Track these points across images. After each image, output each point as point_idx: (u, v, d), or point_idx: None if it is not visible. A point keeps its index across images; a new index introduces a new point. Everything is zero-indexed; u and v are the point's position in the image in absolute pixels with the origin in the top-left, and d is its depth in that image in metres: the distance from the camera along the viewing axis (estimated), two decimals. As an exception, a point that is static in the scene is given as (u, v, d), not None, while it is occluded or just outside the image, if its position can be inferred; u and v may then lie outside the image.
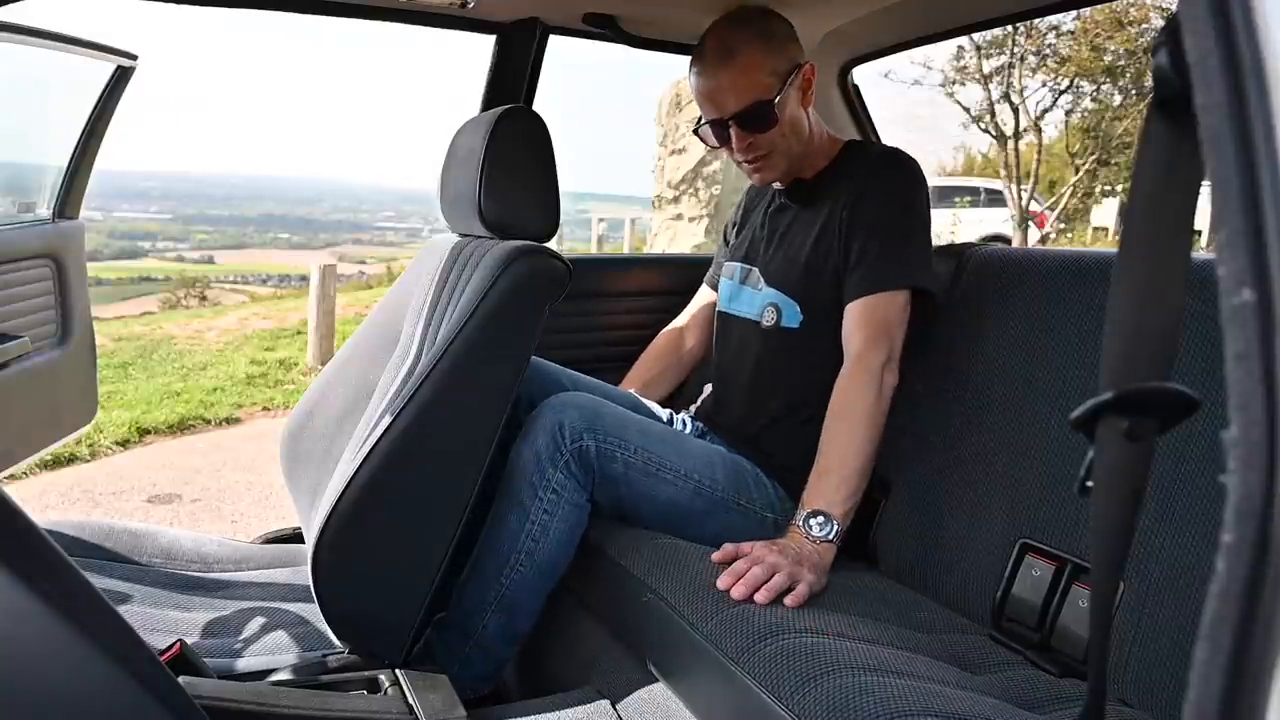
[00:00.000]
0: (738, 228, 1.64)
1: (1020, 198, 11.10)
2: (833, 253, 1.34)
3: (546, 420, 1.24)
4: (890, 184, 1.33)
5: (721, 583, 1.08)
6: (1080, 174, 11.94)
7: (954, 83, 11.53)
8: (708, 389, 1.56)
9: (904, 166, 1.35)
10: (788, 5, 1.53)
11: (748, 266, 1.50)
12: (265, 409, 4.61)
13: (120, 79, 2.04)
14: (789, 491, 1.35)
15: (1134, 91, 11.22)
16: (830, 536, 1.16)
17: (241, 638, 1.11)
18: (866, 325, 1.27)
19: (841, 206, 1.33)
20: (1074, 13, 9.33)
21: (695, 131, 1.43)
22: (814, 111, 1.42)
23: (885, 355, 1.25)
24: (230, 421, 4.35)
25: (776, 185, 1.50)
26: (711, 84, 1.35)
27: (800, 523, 1.17)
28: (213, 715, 0.85)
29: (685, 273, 2.05)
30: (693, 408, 1.58)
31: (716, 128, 1.38)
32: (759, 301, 1.44)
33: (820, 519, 1.16)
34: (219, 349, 6.12)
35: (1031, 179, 11.38)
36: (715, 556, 1.14)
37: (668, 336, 1.72)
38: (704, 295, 1.73)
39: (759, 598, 1.05)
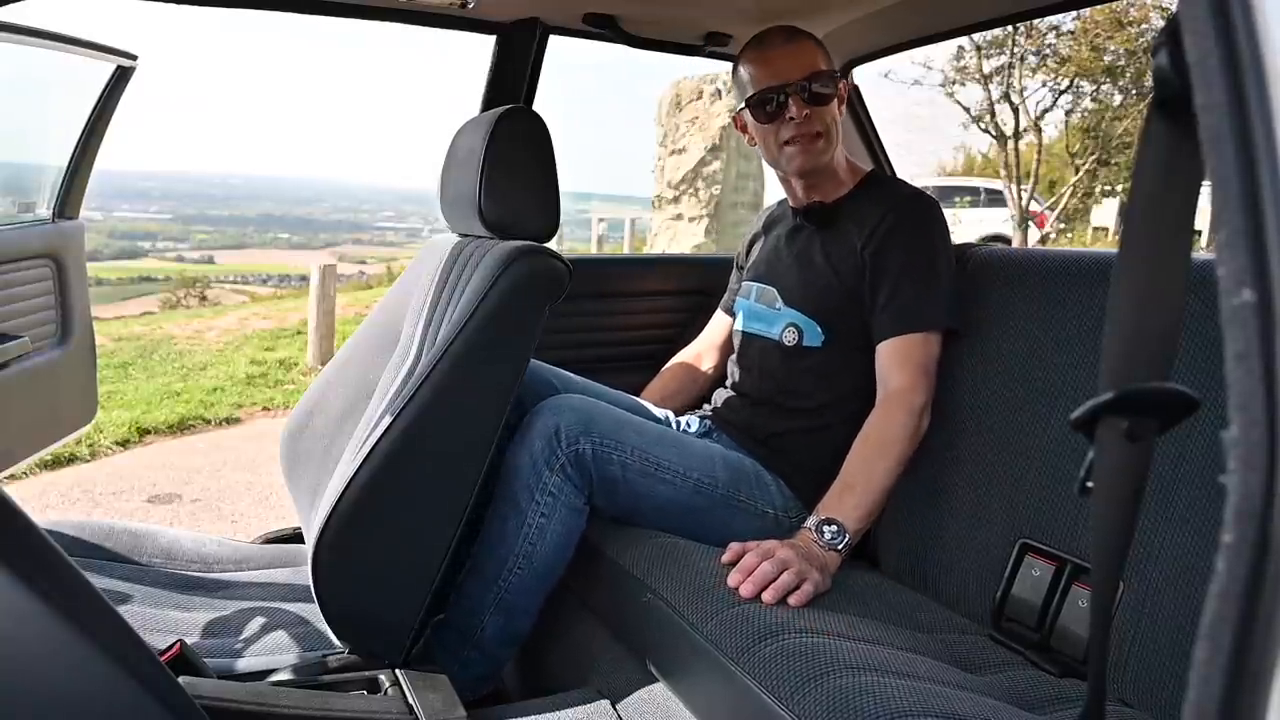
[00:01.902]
0: (751, 251, 1.64)
1: (1020, 198, 11.10)
2: (856, 281, 1.36)
3: (542, 423, 1.24)
4: (917, 226, 1.35)
5: (731, 580, 1.08)
6: (1080, 174, 11.94)
7: (954, 83, 11.53)
8: (719, 394, 1.56)
9: (929, 208, 1.38)
10: (788, 7, 1.53)
11: (764, 286, 1.50)
12: (265, 409, 4.61)
13: (120, 79, 2.04)
14: (793, 489, 1.35)
15: (1134, 91, 11.23)
16: (840, 546, 1.17)
17: (241, 638, 1.11)
18: (905, 366, 1.29)
19: (866, 237, 1.35)
20: (1074, 13, 9.33)
21: (746, 102, 1.42)
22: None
23: (925, 398, 1.28)
24: (230, 421, 4.35)
25: (793, 202, 1.51)
26: (774, 53, 1.38)
27: (813, 527, 1.18)
28: (213, 715, 0.85)
29: (686, 273, 2.06)
30: (703, 408, 1.58)
31: (770, 102, 1.38)
32: (779, 321, 1.44)
33: (834, 528, 1.18)
34: (219, 349, 6.12)
35: (1031, 179, 11.39)
36: (725, 558, 1.15)
37: (683, 360, 1.73)
38: (719, 321, 1.72)
39: (766, 597, 1.05)
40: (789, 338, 1.42)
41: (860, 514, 1.20)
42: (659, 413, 1.54)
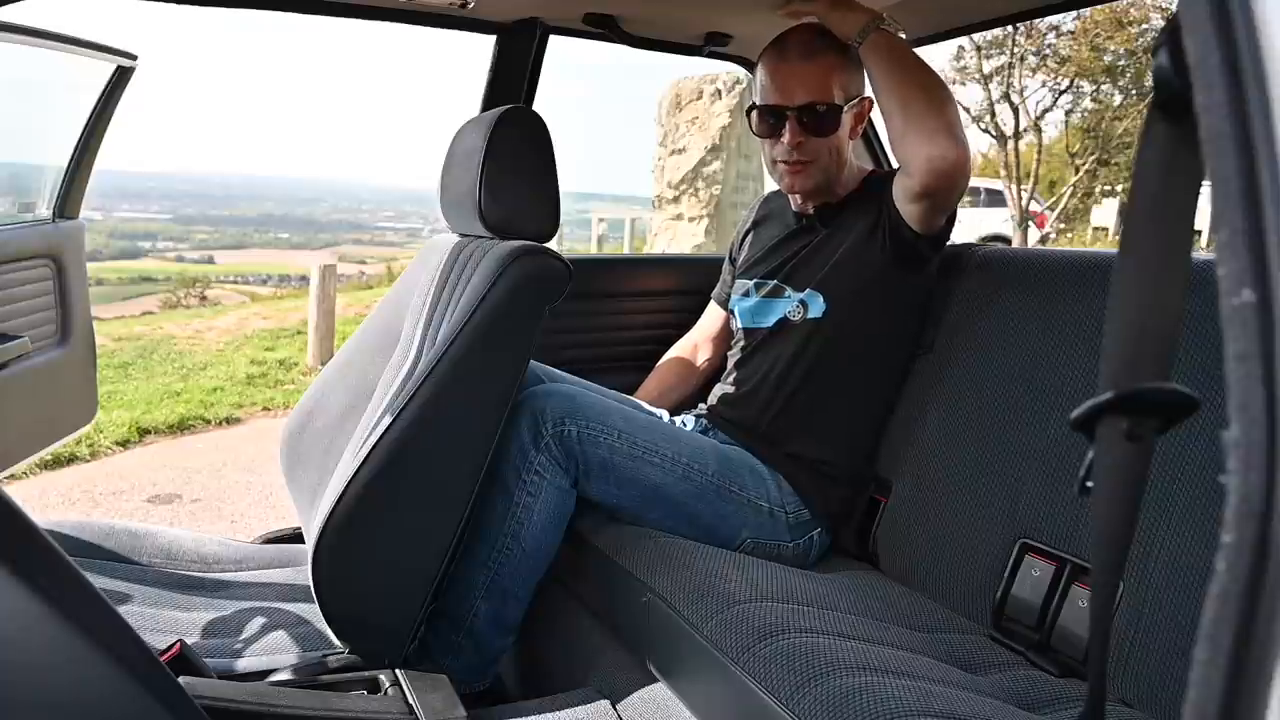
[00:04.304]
0: (746, 246, 1.65)
1: (1020, 198, 11.11)
2: (869, 246, 1.36)
3: (527, 407, 1.25)
4: None
5: None
6: (1080, 174, 11.95)
7: (954, 83, 11.54)
8: (714, 392, 1.56)
9: None
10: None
11: (770, 282, 1.50)
12: (265, 409, 4.61)
13: (120, 79, 2.04)
14: (793, 484, 1.35)
15: (1134, 91, 11.24)
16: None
17: (241, 638, 1.11)
18: None
19: (879, 209, 1.35)
20: (1074, 13, 9.34)
21: (748, 112, 1.45)
22: (853, 146, 1.47)
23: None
24: (230, 421, 4.35)
25: (795, 207, 1.51)
26: (785, 70, 1.38)
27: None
28: (213, 715, 0.85)
29: (686, 273, 2.05)
30: (699, 408, 1.58)
31: (770, 117, 1.40)
32: (787, 305, 1.45)
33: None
34: (219, 349, 6.12)
35: (1031, 179, 11.39)
36: None
37: (678, 354, 1.73)
38: (713, 312, 1.73)
39: None
40: (794, 313, 1.43)
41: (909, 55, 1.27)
42: (659, 413, 1.54)
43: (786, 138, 1.38)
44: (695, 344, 1.73)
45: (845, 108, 1.38)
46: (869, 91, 1.41)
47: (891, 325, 1.40)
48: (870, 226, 1.37)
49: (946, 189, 1.24)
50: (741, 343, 1.54)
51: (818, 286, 1.41)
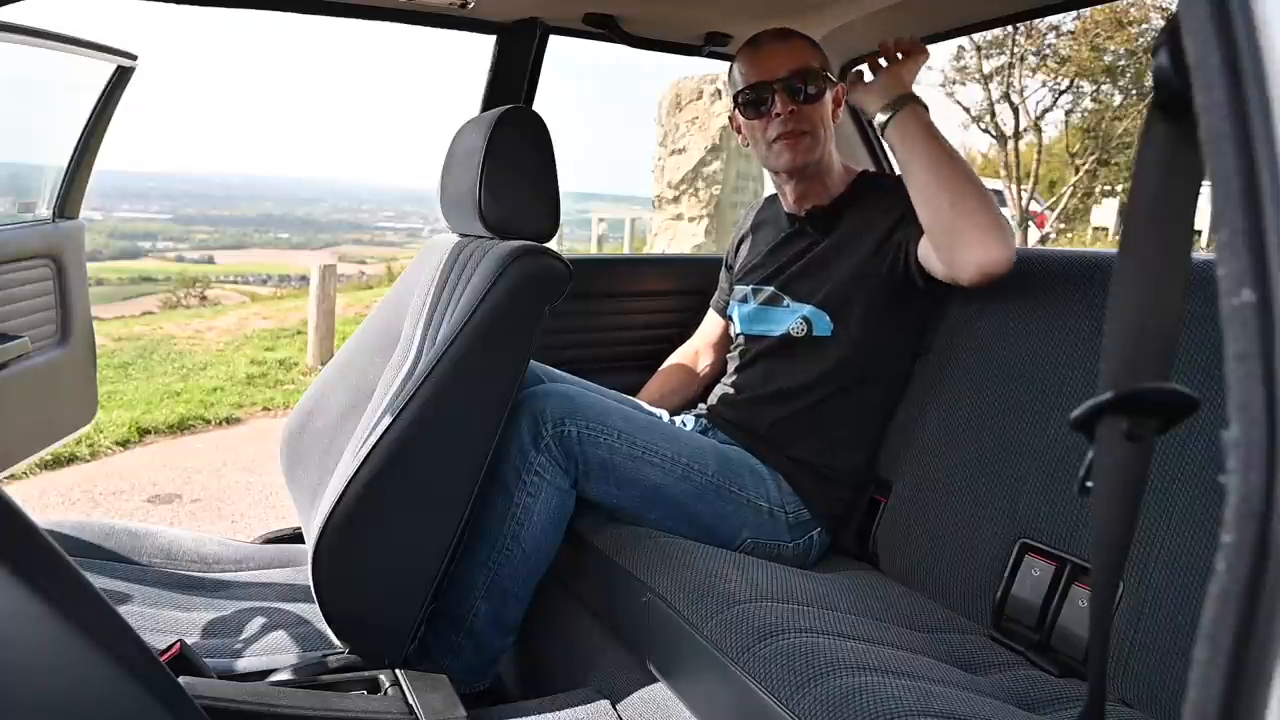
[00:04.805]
0: (743, 251, 1.65)
1: (1020, 198, 11.11)
2: (873, 264, 1.35)
3: (527, 408, 1.26)
4: None
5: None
6: (1080, 174, 11.95)
7: (954, 83, 11.55)
8: (714, 393, 1.56)
9: None
10: (788, 6, 1.53)
11: (768, 288, 1.50)
12: (265, 409, 4.61)
13: (120, 79, 2.04)
14: (792, 485, 1.35)
15: (1134, 91, 11.24)
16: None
17: (241, 638, 1.11)
18: None
19: (887, 228, 1.34)
20: (1074, 13, 9.35)
21: (735, 99, 1.45)
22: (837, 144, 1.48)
23: None
24: (230, 421, 4.35)
25: (787, 208, 1.51)
26: (762, 53, 1.41)
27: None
28: (213, 715, 0.85)
29: (686, 273, 2.06)
30: (699, 408, 1.58)
31: (756, 101, 1.41)
32: (789, 318, 1.45)
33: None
34: (219, 349, 6.12)
35: (1031, 179, 11.39)
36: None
37: (680, 360, 1.73)
38: (713, 320, 1.73)
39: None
40: (798, 328, 1.43)
41: (941, 143, 1.24)
42: (659, 413, 1.54)
43: (777, 108, 1.38)
44: (696, 350, 1.73)
45: (826, 77, 1.41)
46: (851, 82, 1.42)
47: (896, 338, 1.40)
48: (874, 247, 1.35)
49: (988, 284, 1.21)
50: (741, 347, 1.54)
51: (821, 304, 1.40)
